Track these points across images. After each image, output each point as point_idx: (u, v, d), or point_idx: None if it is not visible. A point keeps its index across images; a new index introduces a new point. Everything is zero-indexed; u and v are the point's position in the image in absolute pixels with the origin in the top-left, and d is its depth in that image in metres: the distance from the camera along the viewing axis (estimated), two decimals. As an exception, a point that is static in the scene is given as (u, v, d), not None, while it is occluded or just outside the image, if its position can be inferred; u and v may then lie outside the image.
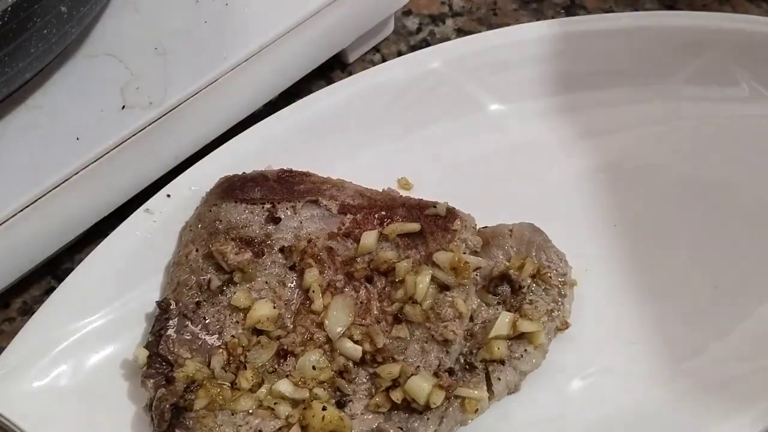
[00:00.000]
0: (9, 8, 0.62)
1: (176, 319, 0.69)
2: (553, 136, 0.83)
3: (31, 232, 0.72)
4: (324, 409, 0.65)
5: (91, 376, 0.70)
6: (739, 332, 0.74)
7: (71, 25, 0.70)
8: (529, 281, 0.72)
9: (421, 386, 0.66)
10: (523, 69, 0.85)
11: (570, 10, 0.99)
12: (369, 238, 0.72)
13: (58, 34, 0.69)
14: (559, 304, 0.72)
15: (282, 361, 0.68)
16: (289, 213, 0.73)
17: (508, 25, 0.91)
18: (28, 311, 0.79)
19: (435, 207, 0.74)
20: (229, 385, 0.67)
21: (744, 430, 0.68)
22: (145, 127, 0.74)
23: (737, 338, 0.73)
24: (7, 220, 0.70)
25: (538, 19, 0.96)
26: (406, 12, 0.98)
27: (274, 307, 0.70)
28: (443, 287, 0.71)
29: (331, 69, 0.94)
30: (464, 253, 0.71)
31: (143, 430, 0.68)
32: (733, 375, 0.72)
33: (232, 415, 0.66)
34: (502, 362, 0.69)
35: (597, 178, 0.81)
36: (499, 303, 0.72)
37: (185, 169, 0.78)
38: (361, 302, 0.70)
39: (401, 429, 0.66)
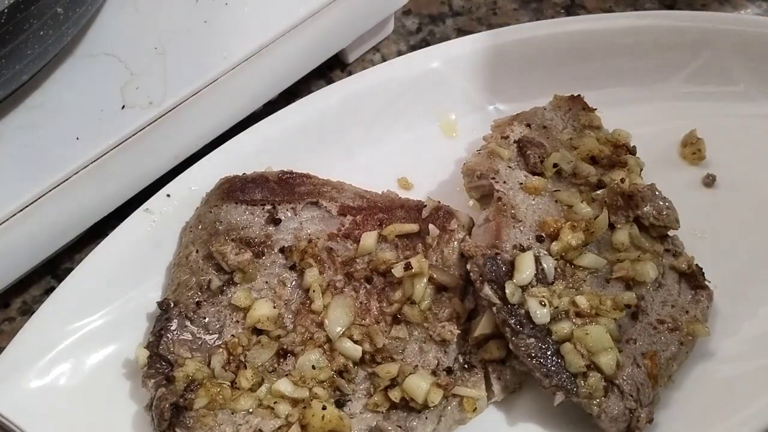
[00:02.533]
0: (5, 10, 0.62)
1: (177, 320, 0.69)
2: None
3: (31, 232, 0.72)
4: (323, 408, 0.65)
5: (91, 376, 0.70)
6: (739, 332, 0.73)
7: (68, 26, 0.70)
8: None
9: (419, 385, 0.66)
10: (523, 69, 0.85)
11: (570, 10, 0.99)
12: (368, 239, 0.72)
13: (54, 36, 0.69)
14: None
15: (282, 360, 0.68)
16: (289, 214, 0.74)
17: (508, 25, 0.91)
18: (28, 311, 0.79)
19: (433, 208, 0.74)
20: (229, 384, 0.67)
21: (743, 430, 0.68)
22: (145, 127, 0.75)
23: (737, 338, 0.73)
24: (7, 220, 0.70)
25: (538, 19, 0.96)
26: (406, 12, 0.98)
27: (274, 307, 0.70)
28: (441, 288, 0.71)
29: (331, 69, 0.94)
30: (461, 255, 0.71)
31: (143, 430, 0.68)
32: (732, 374, 0.71)
33: (232, 414, 0.66)
34: (501, 362, 0.69)
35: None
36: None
37: (185, 169, 0.78)
38: (360, 302, 0.70)
39: (400, 428, 0.66)
